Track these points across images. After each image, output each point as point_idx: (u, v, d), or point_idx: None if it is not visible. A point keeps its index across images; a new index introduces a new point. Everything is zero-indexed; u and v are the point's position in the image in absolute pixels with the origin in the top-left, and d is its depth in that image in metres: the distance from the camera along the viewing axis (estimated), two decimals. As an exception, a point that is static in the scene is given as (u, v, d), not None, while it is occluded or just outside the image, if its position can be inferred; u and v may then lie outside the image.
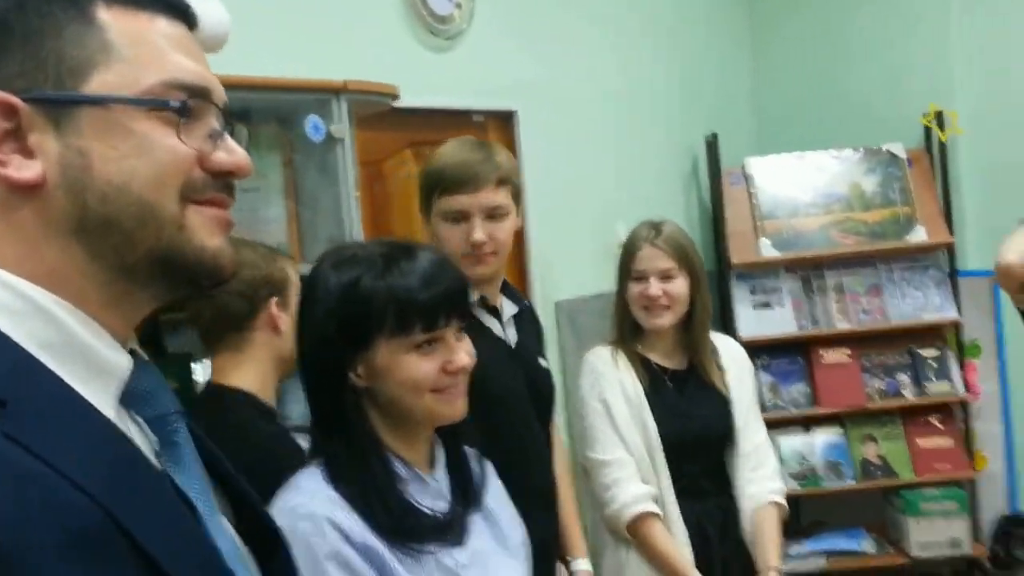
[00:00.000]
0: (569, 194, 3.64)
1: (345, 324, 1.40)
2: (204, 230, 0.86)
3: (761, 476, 2.42)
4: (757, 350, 3.99)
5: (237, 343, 1.88)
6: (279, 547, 0.98)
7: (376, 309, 1.39)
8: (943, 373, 4.04)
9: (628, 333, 2.46)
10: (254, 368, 1.88)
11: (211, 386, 1.92)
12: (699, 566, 2.29)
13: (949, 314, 4.04)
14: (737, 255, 4.09)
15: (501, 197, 2.00)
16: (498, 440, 1.76)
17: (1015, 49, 4.14)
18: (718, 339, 2.52)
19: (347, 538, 1.33)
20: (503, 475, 1.62)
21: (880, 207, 4.11)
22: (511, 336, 2.10)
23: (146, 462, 0.83)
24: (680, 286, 2.40)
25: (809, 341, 4.10)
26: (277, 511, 1.30)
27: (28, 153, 0.81)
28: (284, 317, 1.89)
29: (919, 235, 4.04)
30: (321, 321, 1.42)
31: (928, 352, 4.06)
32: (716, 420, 2.43)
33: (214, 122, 0.88)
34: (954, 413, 4.06)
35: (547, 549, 2.05)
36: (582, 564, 2.26)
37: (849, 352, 4.08)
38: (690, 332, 2.44)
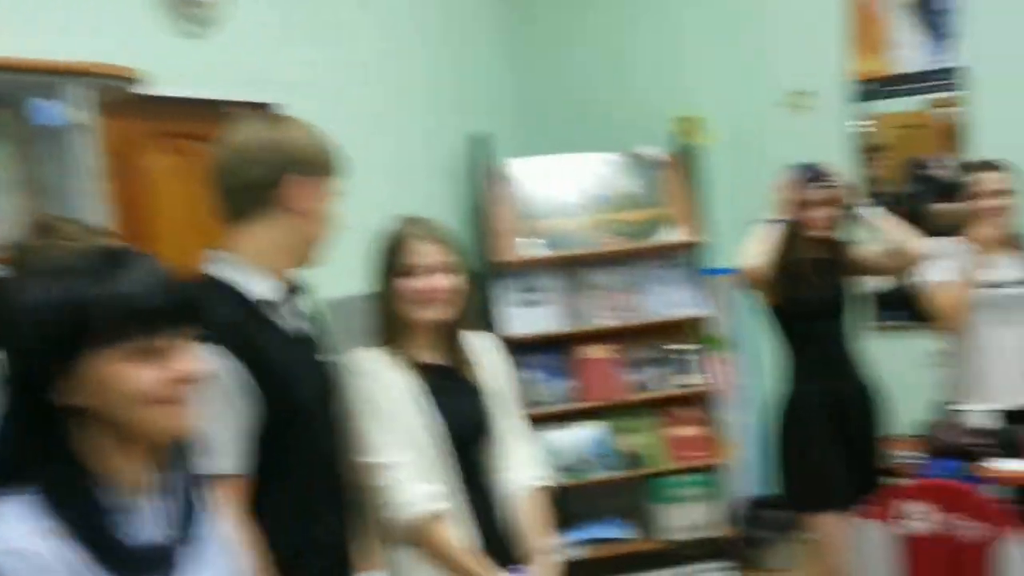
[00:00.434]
0: (334, 190, 3.53)
1: (51, 336, 1.26)
2: None
3: (523, 464, 2.43)
4: (523, 348, 4.03)
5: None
6: None
7: (90, 317, 1.25)
8: (694, 366, 4.20)
9: (394, 331, 2.40)
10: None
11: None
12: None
13: (699, 310, 4.21)
14: (503, 254, 4.12)
15: None
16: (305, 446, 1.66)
17: (765, 58, 4.37)
18: (469, 335, 2.50)
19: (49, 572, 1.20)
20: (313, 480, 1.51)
21: (638, 208, 4.24)
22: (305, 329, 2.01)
23: None
24: (457, 280, 2.36)
25: (573, 338, 4.18)
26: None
27: None
28: None
29: (673, 235, 4.19)
30: (22, 333, 1.27)
31: (681, 346, 4.22)
32: (479, 414, 2.41)
33: None
34: (705, 404, 4.23)
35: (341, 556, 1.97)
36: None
37: (610, 348, 4.19)
38: (452, 327, 2.40)
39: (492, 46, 4.68)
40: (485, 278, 4.13)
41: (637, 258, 4.27)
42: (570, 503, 4.25)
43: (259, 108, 3.29)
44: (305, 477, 1.72)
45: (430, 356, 2.42)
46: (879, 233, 3.34)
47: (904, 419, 3.42)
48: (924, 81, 4.23)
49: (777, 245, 3.24)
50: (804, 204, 3.24)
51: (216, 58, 3.14)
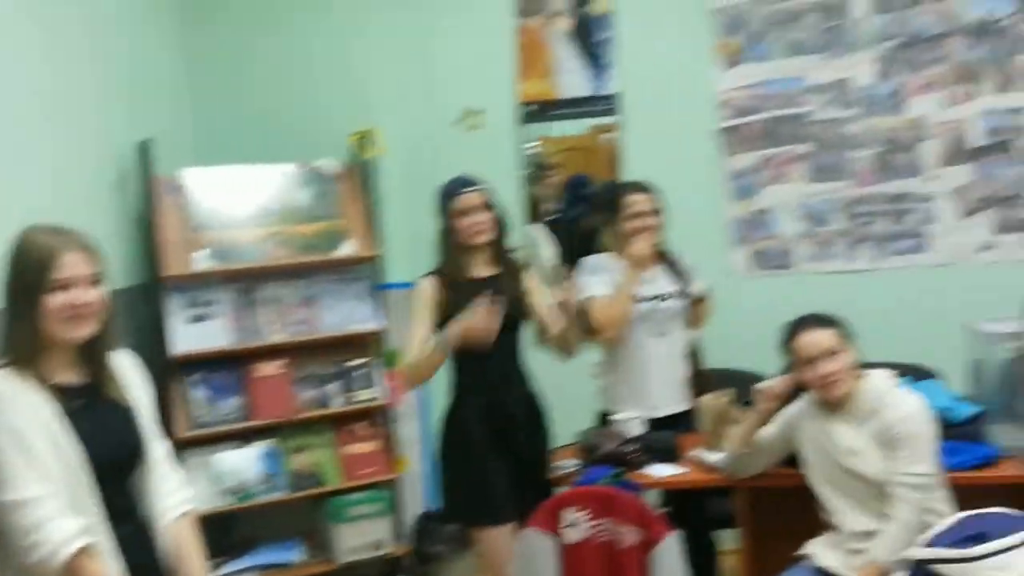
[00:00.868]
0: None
1: None
2: None
3: (170, 489, 2.31)
4: (192, 365, 3.85)
5: None
6: None
7: None
8: (369, 381, 4.19)
9: (31, 351, 2.19)
10: None
11: None
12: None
13: (374, 325, 4.20)
14: (171, 267, 3.92)
15: None
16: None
17: (439, 76, 4.44)
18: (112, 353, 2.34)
19: None
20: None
21: (313, 221, 4.17)
22: None
23: None
24: (104, 291, 2.20)
25: (245, 354, 4.04)
26: None
27: None
28: None
29: (348, 248, 4.16)
30: None
31: (356, 362, 4.19)
32: (128, 436, 2.27)
33: None
34: (379, 419, 4.22)
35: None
36: None
37: (283, 363, 4.09)
38: (97, 344, 2.24)
39: (167, 51, 4.46)
40: (154, 293, 3.91)
41: (312, 272, 4.20)
42: (242, 527, 4.11)
43: None
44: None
45: (69, 376, 2.24)
46: (541, 251, 3.46)
47: (566, 430, 3.56)
48: (586, 106, 4.47)
49: (441, 260, 3.29)
50: (455, 214, 3.29)
51: None
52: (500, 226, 3.37)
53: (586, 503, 3.12)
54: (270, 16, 4.58)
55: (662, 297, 3.59)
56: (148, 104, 4.27)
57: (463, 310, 3.18)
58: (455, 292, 3.27)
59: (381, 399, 4.20)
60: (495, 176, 3.48)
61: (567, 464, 3.45)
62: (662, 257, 3.65)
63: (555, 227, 4.01)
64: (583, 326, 3.49)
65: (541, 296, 3.39)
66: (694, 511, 3.57)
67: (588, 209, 4.45)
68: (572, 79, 4.47)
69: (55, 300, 2.15)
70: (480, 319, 3.12)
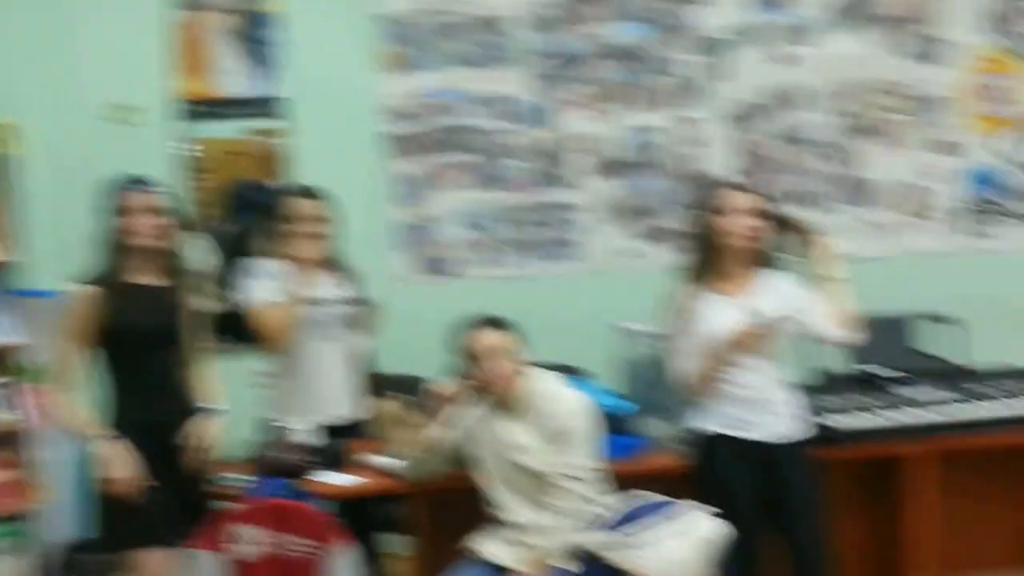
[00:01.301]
0: None
1: None
2: None
3: None
4: None
5: None
6: None
7: None
8: (9, 401, 3.86)
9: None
10: None
11: None
12: None
13: (12, 337, 3.88)
14: None
15: None
16: None
17: (83, 70, 4.19)
18: None
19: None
20: None
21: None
22: None
23: None
24: None
25: None
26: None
27: None
28: None
29: (-18, 254, 3.82)
30: None
31: (-8, 379, 3.85)
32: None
33: None
34: (19, 443, 3.89)
35: None
36: None
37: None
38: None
39: None
40: None
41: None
42: None
43: None
44: None
45: None
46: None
47: (235, 441, 3.46)
48: (248, 107, 4.38)
49: (103, 263, 3.10)
50: (123, 211, 3.12)
51: None
52: (175, 234, 3.21)
53: (256, 517, 3.05)
54: None
55: (331, 302, 3.59)
56: None
57: (126, 317, 3.02)
58: (116, 299, 3.09)
59: (18, 421, 3.87)
60: (149, 175, 3.32)
61: (233, 477, 3.35)
62: (330, 262, 3.65)
63: (219, 233, 3.89)
64: (253, 333, 3.42)
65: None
66: (367, 518, 3.59)
67: (255, 214, 4.36)
68: (233, 79, 4.36)
69: None
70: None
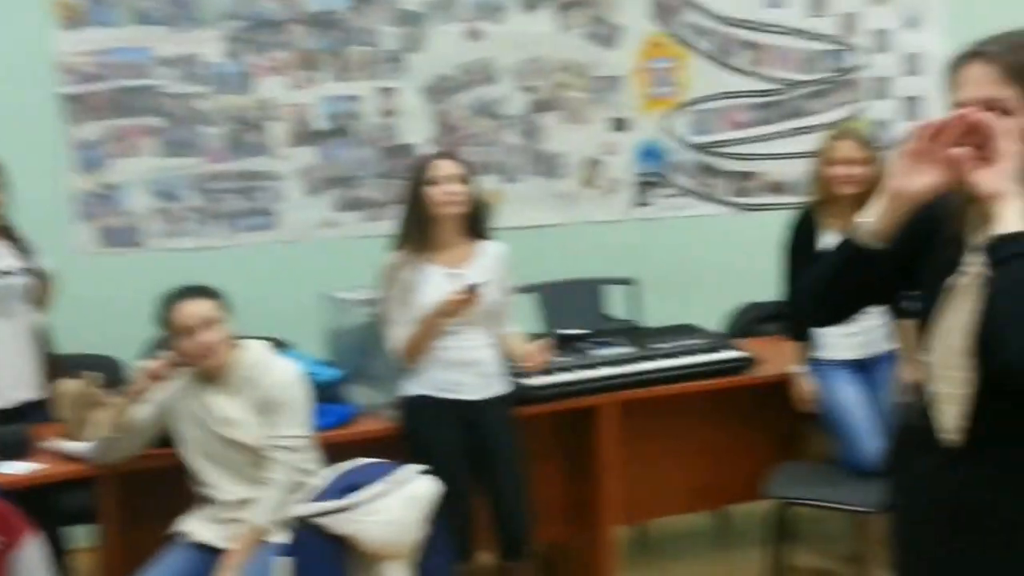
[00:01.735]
0: None
1: None
2: None
3: None
4: None
5: None
6: None
7: None
8: None
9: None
10: None
11: None
12: None
13: None
14: None
15: None
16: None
17: None
18: None
19: None
20: None
21: None
22: None
23: None
24: None
25: None
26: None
27: None
28: None
29: None
30: None
31: None
32: None
33: None
34: None
35: None
36: None
37: None
38: None
39: None
40: None
41: None
42: None
43: None
44: None
45: None
46: None
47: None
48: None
49: None
50: None
51: None
52: None
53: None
54: None
55: (5, 274, 3.37)
56: None
57: None
58: None
59: None
60: None
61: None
62: (3, 232, 3.43)
63: None
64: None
65: None
66: (50, 510, 3.41)
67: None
68: None
69: None
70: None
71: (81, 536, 3.57)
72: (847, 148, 3.75)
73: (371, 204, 4.19)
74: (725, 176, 5.04)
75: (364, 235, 4.15)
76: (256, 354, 3.23)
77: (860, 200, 3.74)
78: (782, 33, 5.06)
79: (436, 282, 3.38)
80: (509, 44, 4.47)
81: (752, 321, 4.84)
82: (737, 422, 4.21)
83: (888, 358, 3.87)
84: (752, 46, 5.01)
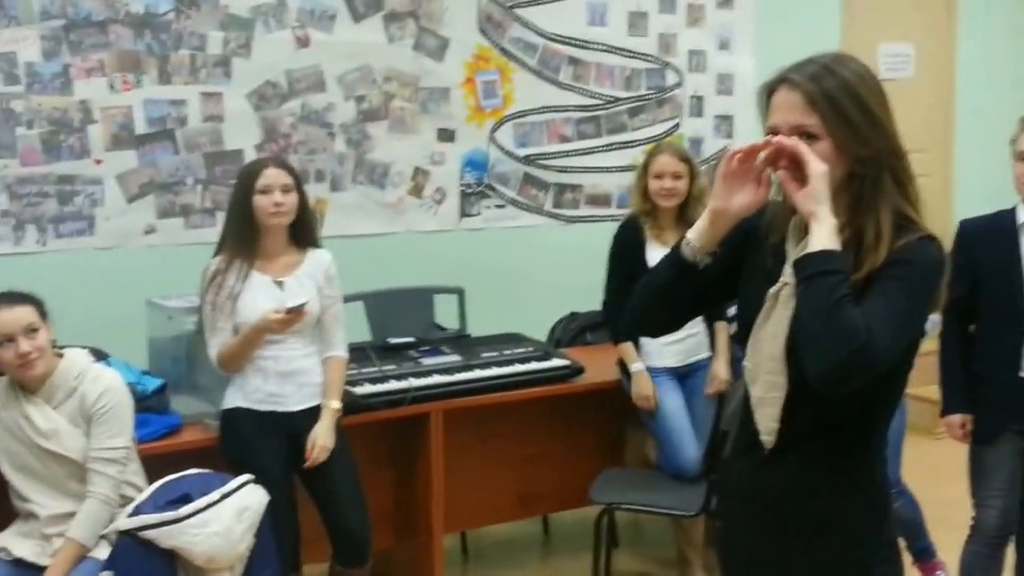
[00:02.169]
0: None
1: None
2: None
3: None
4: None
5: None
6: None
7: None
8: None
9: None
10: None
11: None
12: None
13: None
14: None
15: None
16: None
17: None
18: None
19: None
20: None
21: None
22: None
23: None
24: None
25: None
26: None
27: None
28: None
29: None
30: None
31: None
32: None
33: None
34: None
35: None
36: None
37: None
38: None
39: None
40: None
41: None
42: None
43: None
44: None
45: None
46: None
47: None
48: None
49: None
50: None
51: None
52: None
53: None
54: None
55: None
56: None
57: None
58: None
59: None
60: None
61: None
62: None
63: None
64: None
65: None
66: None
67: None
68: None
69: None
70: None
71: None
72: (666, 162, 3.98)
73: (194, 211, 4.15)
74: (549, 188, 5.21)
75: (187, 242, 4.10)
76: (78, 363, 3.18)
77: (680, 212, 3.98)
78: (604, 51, 5.27)
79: (260, 290, 3.39)
80: (338, 53, 4.50)
81: (574, 331, 5.03)
82: (564, 430, 4.38)
83: (707, 365, 4.10)
84: (575, 62, 5.20)
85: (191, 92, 4.16)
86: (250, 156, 4.19)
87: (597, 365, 4.28)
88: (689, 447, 3.96)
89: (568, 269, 5.15)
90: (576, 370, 4.22)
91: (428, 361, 4.08)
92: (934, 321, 3.38)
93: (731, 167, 1.87)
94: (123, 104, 4.03)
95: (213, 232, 3.90)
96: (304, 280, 3.46)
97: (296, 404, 3.46)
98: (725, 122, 5.70)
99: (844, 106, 1.83)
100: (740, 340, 2.05)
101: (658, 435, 4.08)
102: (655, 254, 3.85)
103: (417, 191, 4.85)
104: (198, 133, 4.18)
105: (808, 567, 2.00)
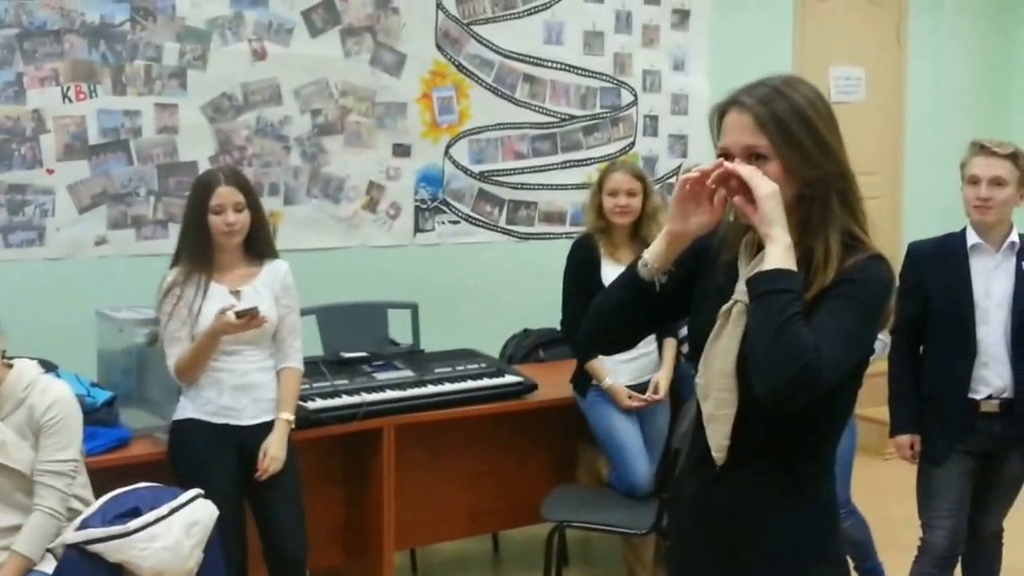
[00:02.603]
0: None
1: None
2: None
3: None
4: None
5: None
6: None
7: None
8: None
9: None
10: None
11: None
12: None
13: None
14: None
15: None
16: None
17: None
18: None
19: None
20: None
21: None
22: None
23: None
24: None
25: None
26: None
27: None
28: None
29: None
30: None
31: None
32: None
33: None
34: None
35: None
36: None
37: None
38: None
39: None
40: None
41: None
42: None
43: None
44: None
45: None
46: None
47: None
48: None
49: None
50: None
51: None
52: None
53: None
54: None
55: None
56: None
57: None
58: None
59: None
60: None
61: None
62: None
63: None
64: None
65: None
66: None
67: None
68: None
69: None
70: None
71: None
72: (621, 180, 4.03)
73: (146, 222, 4.14)
74: (503, 205, 5.26)
75: (138, 253, 4.10)
76: (27, 374, 3.15)
77: (634, 229, 4.03)
78: (560, 69, 5.34)
79: (217, 301, 3.39)
80: (294, 66, 4.53)
81: (527, 347, 5.07)
82: (516, 446, 4.40)
83: (660, 383, 4.15)
84: (531, 80, 5.27)
85: (146, 103, 4.16)
86: (204, 168, 4.19)
87: (550, 382, 4.32)
88: (641, 465, 4.00)
89: (522, 286, 5.20)
90: (529, 387, 4.25)
91: (381, 376, 4.09)
92: (884, 342, 3.45)
93: (684, 191, 1.92)
94: (76, 114, 4.03)
95: (165, 244, 3.90)
96: (261, 290, 3.47)
97: (249, 418, 3.46)
98: (679, 141, 5.78)
99: (793, 129, 1.88)
100: (692, 358, 2.09)
101: (610, 453, 4.12)
102: (610, 272, 3.90)
103: (372, 206, 4.88)
104: (152, 144, 4.18)
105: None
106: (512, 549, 4.84)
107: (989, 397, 3.38)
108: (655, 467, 4.01)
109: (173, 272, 3.43)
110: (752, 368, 1.83)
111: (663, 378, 4.10)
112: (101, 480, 3.25)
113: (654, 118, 5.67)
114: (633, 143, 5.61)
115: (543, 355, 5.01)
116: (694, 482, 2.07)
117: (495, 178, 5.21)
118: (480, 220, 5.20)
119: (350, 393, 3.92)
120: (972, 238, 3.41)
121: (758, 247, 1.90)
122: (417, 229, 5.02)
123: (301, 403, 3.69)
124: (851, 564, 2.65)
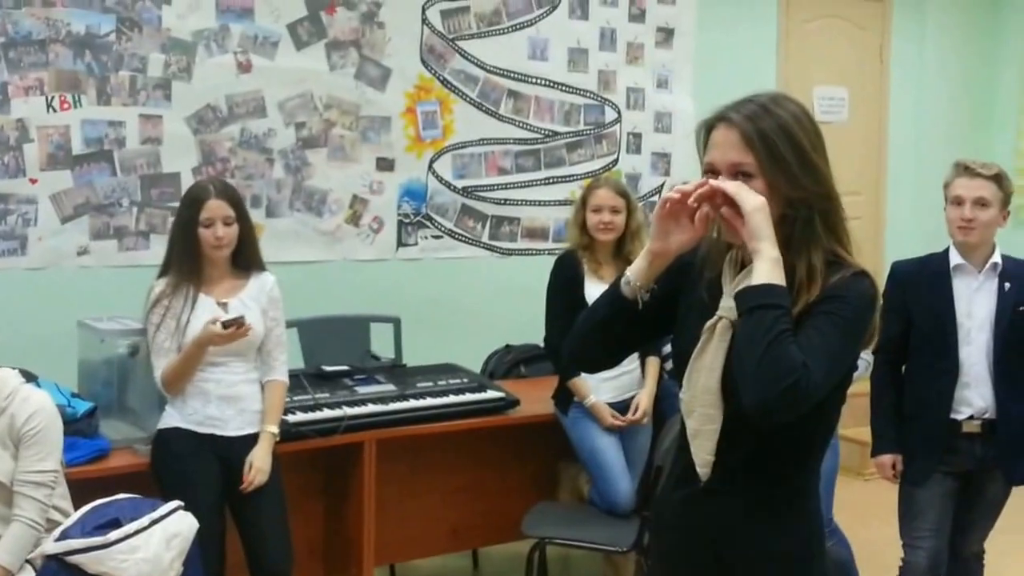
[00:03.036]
0: None
1: None
2: None
3: None
4: None
5: None
6: None
7: None
8: None
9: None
10: None
11: None
12: None
13: None
14: None
15: None
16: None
17: None
18: None
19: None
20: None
21: None
22: None
23: None
24: None
25: None
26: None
27: None
28: None
29: None
30: None
31: None
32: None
33: None
34: None
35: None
36: None
37: None
38: None
39: None
40: None
41: None
42: None
43: None
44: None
45: None
46: None
47: None
48: None
49: None
50: None
51: None
52: None
53: None
54: None
55: None
56: None
57: None
58: None
59: None
60: None
61: None
62: None
63: None
64: None
65: None
66: None
67: None
68: None
69: None
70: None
71: None
72: (605, 196, 4.07)
73: (129, 233, 4.16)
74: (486, 220, 5.30)
75: (120, 264, 4.11)
76: (7, 384, 3.16)
77: (617, 246, 4.07)
78: (544, 85, 5.40)
79: (205, 312, 3.42)
80: (279, 79, 4.56)
81: (509, 363, 5.10)
82: (498, 462, 4.42)
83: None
84: (516, 95, 5.32)
85: (130, 114, 4.19)
86: (187, 179, 4.21)
87: (531, 398, 4.34)
88: (622, 483, 4.03)
89: (504, 301, 5.23)
90: (511, 402, 4.27)
91: (362, 390, 4.10)
92: (867, 361, 3.49)
93: (666, 210, 1.94)
94: (60, 124, 4.05)
95: (147, 255, 3.92)
96: (248, 302, 3.49)
97: (234, 429, 3.48)
98: (662, 159, 5.84)
99: (779, 147, 1.91)
100: (676, 375, 2.12)
101: (591, 470, 4.14)
102: (593, 289, 3.93)
103: (355, 219, 4.91)
104: (136, 155, 4.20)
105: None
106: (492, 565, 4.85)
107: (971, 418, 3.42)
108: (636, 484, 4.04)
109: (161, 283, 3.45)
110: (740, 381, 1.85)
111: (645, 397, 4.13)
112: (81, 491, 3.26)
113: (637, 135, 5.73)
114: (616, 160, 5.67)
115: (524, 371, 5.03)
116: (679, 498, 2.09)
117: (478, 193, 5.26)
118: (463, 235, 5.24)
119: (331, 407, 3.93)
120: (955, 259, 3.45)
121: (742, 264, 1.93)
122: (400, 243, 5.06)
123: (282, 416, 3.71)
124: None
